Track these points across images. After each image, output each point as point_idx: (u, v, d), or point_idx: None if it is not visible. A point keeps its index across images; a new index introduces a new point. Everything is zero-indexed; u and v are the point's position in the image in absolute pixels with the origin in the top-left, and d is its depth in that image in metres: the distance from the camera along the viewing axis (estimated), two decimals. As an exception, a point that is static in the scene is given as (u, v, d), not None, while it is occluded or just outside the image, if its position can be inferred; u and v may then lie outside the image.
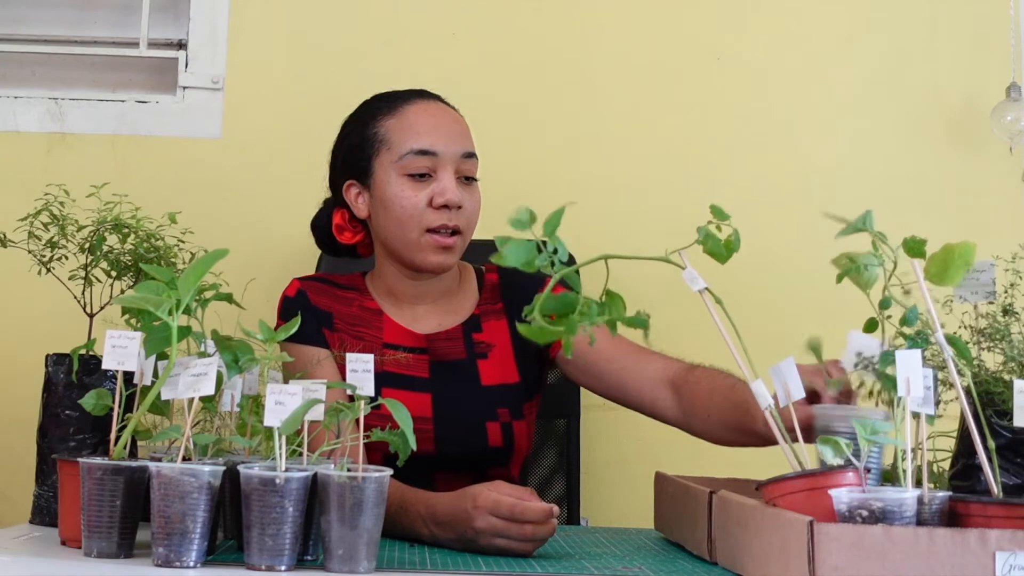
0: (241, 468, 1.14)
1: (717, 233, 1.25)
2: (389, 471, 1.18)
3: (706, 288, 1.26)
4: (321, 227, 1.83)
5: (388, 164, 1.69)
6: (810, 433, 1.29)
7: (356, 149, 1.73)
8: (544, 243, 1.20)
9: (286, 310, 1.71)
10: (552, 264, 1.20)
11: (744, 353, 1.25)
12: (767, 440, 1.39)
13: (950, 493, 1.15)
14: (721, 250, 1.25)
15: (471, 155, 1.70)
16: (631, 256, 1.25)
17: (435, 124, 1.70)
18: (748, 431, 1.52)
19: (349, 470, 1.15)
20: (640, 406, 1.74)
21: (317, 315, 1.71)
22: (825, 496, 1.10)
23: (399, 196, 1.67)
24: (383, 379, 1.64)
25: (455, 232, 1.67)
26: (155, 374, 1.27)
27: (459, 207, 1.67)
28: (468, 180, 1.70)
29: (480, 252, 1.69)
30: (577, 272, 1.22)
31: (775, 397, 1.25)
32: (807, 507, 1.10)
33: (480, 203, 1.72)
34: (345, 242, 1.78)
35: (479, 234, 1.83)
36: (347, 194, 1.75)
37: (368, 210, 1.73)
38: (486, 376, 1.72)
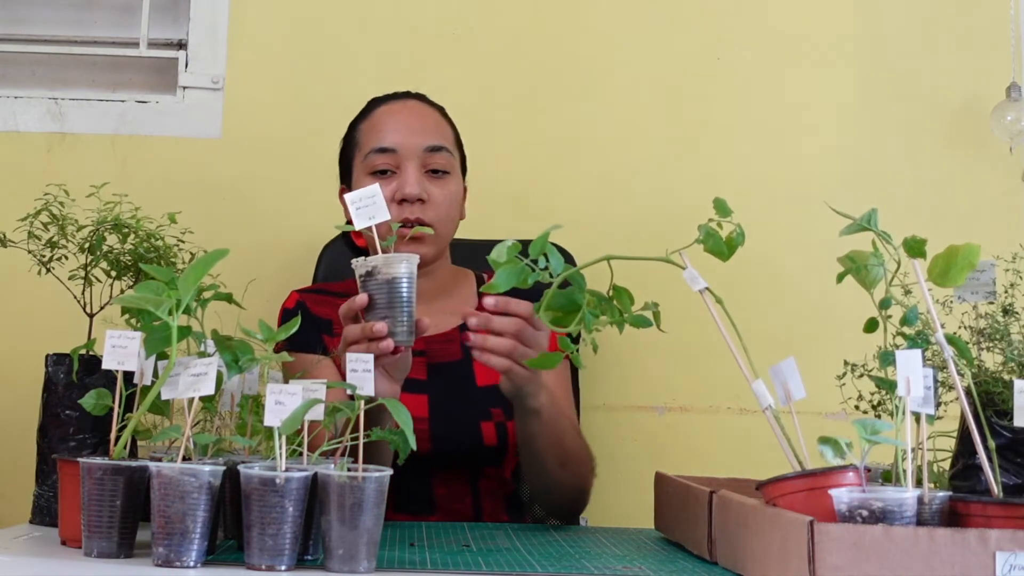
0: (241, 468, 1.14)
1: (718, 231, 1.25)
2: (389, 471, 1.18)
3: (707, 288, 1.26)
4: (347, 233, 1.88)
5: (359, 164, 1.76)
6: None
7: (342, 154, 1.83)
8: (536, 260, 1.22)
9: (285, 321, 1.72)
10: (550, 275, 1.22)
11: (744, 353, 1.25)
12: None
13: (950, 493, 1.15)
14: (723, 248, 1.25)
15: (437, 148, 1.74)
16: (632, 257, 1.25)
17: (396, 122, 1.76)
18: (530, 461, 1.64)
19: (349, 470, 1.15)
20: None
21: (317, 323, 1.73)
22: (825, 496, 1.10)
23: None
24: (383, 381, 1.65)
25: (422, 225, 1.70)
26: (155, 374, 1.27)
27: (420, 200, 1.70)
28: (437, 173, 1.73)
29: (479, 252, 1.69)
30: (580, 273, 1.23)
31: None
32: (807, 507, 1.10)
33: (455, 196, 1.75)
34: (361, 246, 1.81)
35: (477, 234, 1.83)
36: (342, 198, 1.77)
37: None
38: (481, 377, 1.73)
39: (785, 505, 1.14)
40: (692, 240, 1.26)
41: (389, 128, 1.75)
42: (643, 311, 1.29)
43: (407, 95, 1.83)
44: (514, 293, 1.78)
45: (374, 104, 1.82)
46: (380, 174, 1.72)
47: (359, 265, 1.40)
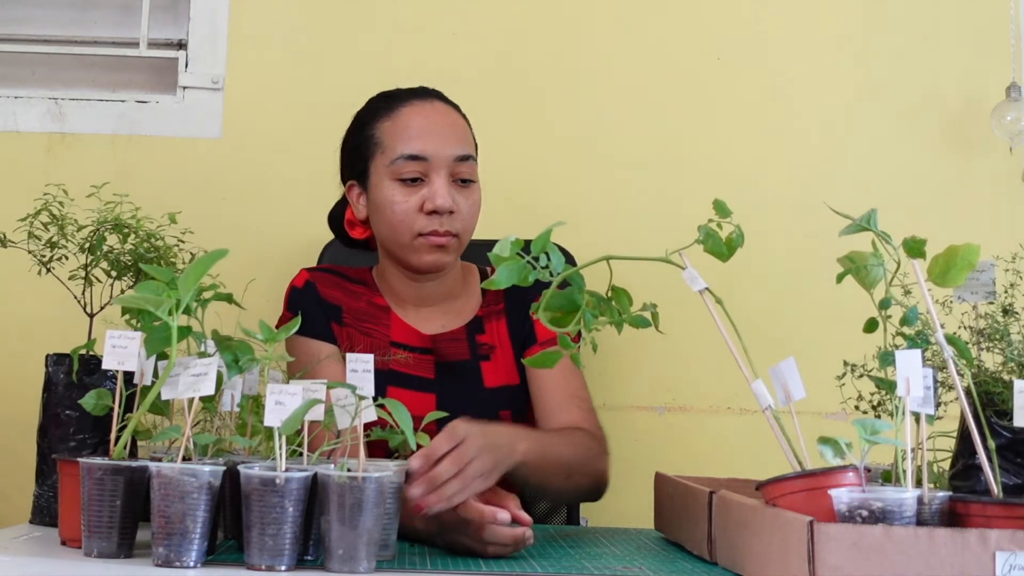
0: (241, 468, 1.14)
1: (718, 231, 1.25)
2: (389, 471, 1.18)
3: (706, 288, 1.26)
4: (336, 220, 1.83)
5: (382, 168, 1.68)
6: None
7: (355, 151, 1.74)
8: (536, 258, 1.22)
9: (294, 301, 1.70)
10: (550, 273, 1.21)
11: (744, 353, 1.25)
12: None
13: (950, 493, 1.15)
14: (722, 248, 1.25)
15: (466, 158, 1.68)
16: (632, 257, 1.25)
17: (427, 127, 1.68)
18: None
19: (349, 470, 1.15)
20: None
21: (326, 308, 1.71)
22: (825, 496, 1.10)
23: (391, 201, 1.67)
24: (390, 377, 1.64)
25: (450, 235, 1.67)
26: (155, 374, 1.27)
27: (451, 212, 1.65)
28: (464, 182, 1.69)
29: (481, 252, 1.69)
30: (579, 273, 1.23)
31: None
32: (807, 507, 1.10)
33: (479, 204, 1.72)
34: (356, 237, 1.79)
35: (479, 234, 1.83)
36: (350, 194, 1.76)
37: (366, 212, 1.74)
38: (489, 378, 1.71)
39: (785, 505, 1.14)
40: (692, 240, 1.26)
41: (419, 133, 1.67)
42: (642, 312, 1.29)
43: (427, 93, 1.74)
44: (514, 290, 1.79)
45: (396, 102, 1.72)
46: (409, 182, 1.66)
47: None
